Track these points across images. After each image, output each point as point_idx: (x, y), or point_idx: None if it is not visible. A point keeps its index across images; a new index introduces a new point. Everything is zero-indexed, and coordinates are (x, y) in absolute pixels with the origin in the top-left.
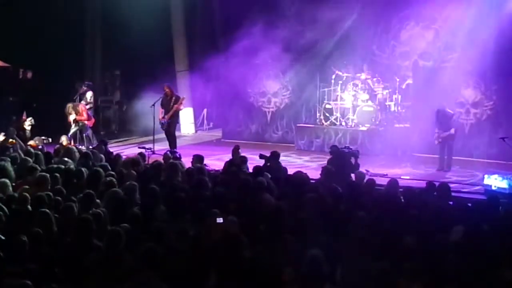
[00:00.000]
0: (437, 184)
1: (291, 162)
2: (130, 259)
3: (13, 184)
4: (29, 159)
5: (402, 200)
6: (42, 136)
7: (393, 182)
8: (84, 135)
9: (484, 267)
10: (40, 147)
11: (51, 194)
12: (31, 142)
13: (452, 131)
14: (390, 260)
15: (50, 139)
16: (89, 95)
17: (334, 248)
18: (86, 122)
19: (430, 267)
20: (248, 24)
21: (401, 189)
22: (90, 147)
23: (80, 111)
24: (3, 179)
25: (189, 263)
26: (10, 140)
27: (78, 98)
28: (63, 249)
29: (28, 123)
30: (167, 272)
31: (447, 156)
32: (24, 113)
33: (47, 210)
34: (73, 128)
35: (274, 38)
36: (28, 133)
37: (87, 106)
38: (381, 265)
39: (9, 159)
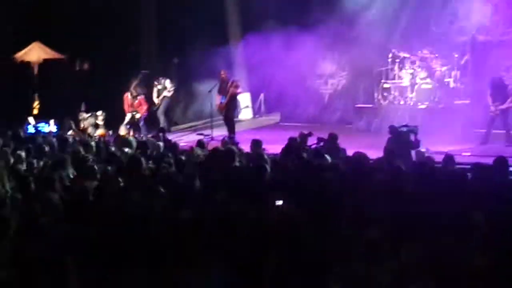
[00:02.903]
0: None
1: None
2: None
3: (72, 176)
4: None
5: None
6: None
7: (448, 157)
8: (140, 124)
9: None
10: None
11: (111, 184)
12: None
13: None
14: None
15: (110, 132)
16: (168, 83)
17: (397, 227)
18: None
19: (498, 244)
20: (303, 4)
21: (463, 166)
22: (149, 136)
23: (142, 103)
24: (61, 171)
25: (249, 245)
26: (72, 131)
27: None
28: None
29: (101, 117)
30: (228, 255)
31: (506, 131)
32: (83, 105)
33: (108, 200)
34: (128, 117)
35: (329, 19)
36: (102, 127)
37: (169, 94)
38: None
39: (69, 151)
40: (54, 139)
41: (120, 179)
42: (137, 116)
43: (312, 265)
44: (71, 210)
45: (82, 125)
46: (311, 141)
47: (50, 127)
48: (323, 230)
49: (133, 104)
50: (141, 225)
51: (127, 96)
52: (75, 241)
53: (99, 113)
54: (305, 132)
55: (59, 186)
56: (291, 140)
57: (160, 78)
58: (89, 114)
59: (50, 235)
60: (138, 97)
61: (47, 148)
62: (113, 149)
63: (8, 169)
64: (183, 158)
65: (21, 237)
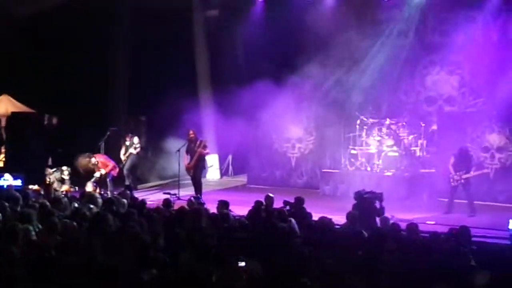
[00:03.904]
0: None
1: None
2: None
3: (37, 230)
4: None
5: (423, 244)
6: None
7: (412, 226)
8: (107, 180)
9: None
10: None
11: (75, 240)
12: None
13: (486, 171)
14: None
15: (76, 188)
16: (136, 140)
17: None
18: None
19: None
20: (272, 69)
21: (426, 234)
22: (115, 193)
23: (107, 164)
24: (26, 225)
25: None
26: (37, 186)
27: (103, 143)
28: None
29: (66, 172)
30: None
31: (468, 201)
32: (50, 159)
33: (72, 256)
34: (96, 174)
35: (297, 84)
36: (67, 182)
37: (135, 151)
38: None
39: (35, 206)
40: (18, 193)
41: (84, 236)
42: (103, 172)
43: None
44: (32, 266)
45: (48, 180)
46: (278, 205)
47: (15, 180)
48: None
49: (98, 167)
50: (104, 284)
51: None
52: None
53: (64, 168)
54: (271, 194)
55: (22, 241)
56: (258, 203)
57: (129, 135)
58: (54, 169)
59: None
60: (97, 160)
61: (10, 202)
62: (77, 205)
63: None
64: (149, 216)
65: None
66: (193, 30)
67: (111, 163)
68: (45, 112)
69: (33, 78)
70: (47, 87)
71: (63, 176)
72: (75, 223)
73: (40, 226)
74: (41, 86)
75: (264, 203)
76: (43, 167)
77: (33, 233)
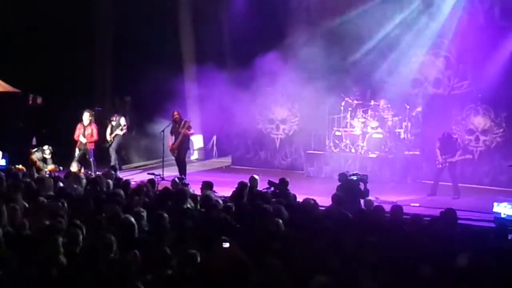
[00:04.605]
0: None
1: None
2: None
3: (22, 210)
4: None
5: (407, 227)
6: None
7: (397, 208)
8: (90, 160)
9: None
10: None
11: (59, 220)
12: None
13: (468, 156)
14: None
15: (61, 168)
16: (122, 121)
17: (344, 274)
18: (89, 146)
19: None
20: (257, 51)
21: (408, 216)
22: (98, 173)
23: (93, 135)
24: (12, 205)
25: None
26: (17, 166)
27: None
28: (69, 277)
29: (48, 152)
30: None
31: (453, 183)
32: (34, 139)
33: (56, 237)
34: (78, 153)
35: (282, 65)
36: (49, 161)
37: (121, 132)
38: None
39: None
40: (2, 173)
41: (68, 216)
42: (82, 142)
43: None
44: (14, 246)
45: (31, 160)
46: (262, 186)
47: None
48: (271, 276)
49: (84, 134)
50: (88, 264)
51: (80, 125)
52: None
53: (45, 147)
54: (256, 176)
55: (6, 221)
56: (241, 184)
57: (115, 115)
58: (35, 149)
59: None
60: (91, 126)
61: None
62: (62, 185)
63: None
64: (134, 197)
65: None
66: (179, 8)
67: (96, 137)
68: (30, 92)
69: (18, 57)
70: (32, 67)
71: (44, 155)
72: (59, 203)
73: (27, 205)
74: (26, 65)
75: (248, 184)
76: (27, 147)
77: (19, 212)
